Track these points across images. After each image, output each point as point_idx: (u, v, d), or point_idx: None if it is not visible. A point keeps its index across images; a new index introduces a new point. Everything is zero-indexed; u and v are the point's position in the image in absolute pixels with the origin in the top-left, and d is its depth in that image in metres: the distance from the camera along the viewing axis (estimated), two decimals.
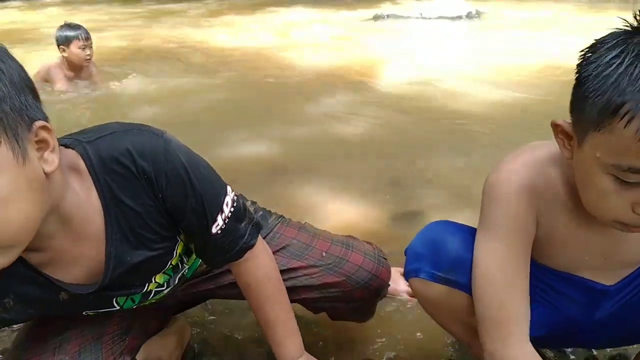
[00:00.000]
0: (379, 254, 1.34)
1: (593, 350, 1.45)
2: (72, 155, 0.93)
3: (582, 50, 0.88)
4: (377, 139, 3.08)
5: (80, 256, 0.97)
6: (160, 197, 0.96)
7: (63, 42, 3.89)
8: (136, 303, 1.14)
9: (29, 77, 0.84)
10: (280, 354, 1.20)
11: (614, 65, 0.80)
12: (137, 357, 1.26)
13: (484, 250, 1.03)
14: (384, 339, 1.51)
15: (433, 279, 1.12)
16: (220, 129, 3.24)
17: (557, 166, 1.00)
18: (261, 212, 1.35)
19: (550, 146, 1.01)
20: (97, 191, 0.93)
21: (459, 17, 6.54)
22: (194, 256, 1.19)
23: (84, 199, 0.93)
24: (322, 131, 3.20)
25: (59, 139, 0.89)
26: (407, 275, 1.18)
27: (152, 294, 1.15)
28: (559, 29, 5.64)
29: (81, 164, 0.92)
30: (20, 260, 0.90)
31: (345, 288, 1.27)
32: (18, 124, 0.78)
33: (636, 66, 0.78)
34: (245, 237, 1.11)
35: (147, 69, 4.79)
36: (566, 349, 1.46)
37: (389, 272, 1.35)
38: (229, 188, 1.08)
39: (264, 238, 1.22)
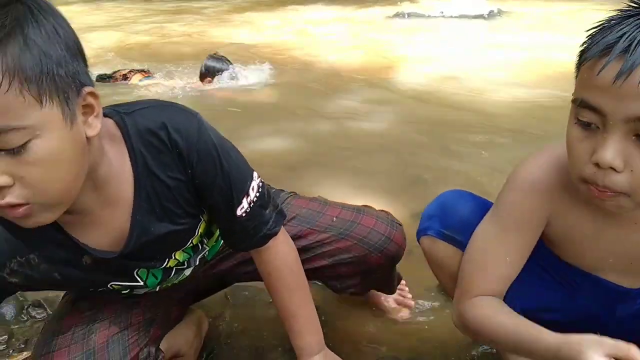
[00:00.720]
0: (392, 219, 1.34)
1: None
2: (110, 124, 0.96)
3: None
4: (397, 137, 3.06)
5: (107, 221, 1.00)
6: (189, 173, 1.00)
7: (213, 74, 4.11)
8: (158, 280, 1.15)
9: (80, 43, 0.87)
10: (298, 346, 1.20)
11: (603, 28, 0.87)
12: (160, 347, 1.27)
13: (486, 224, 1.08)
14: (400, 337, 1.51)
15: (441, 236, 1.17)
16: (239, 124, 3.26)
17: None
18: (274, 190, 1.35)
19: None
20: (131, 160, 0.97)
21: (481, 16, 6.48)
22: (214, 238, 1.21)
23: (118, 167, 0.96)
24: (342, 128, 3.19)
25: None
26: (418, 235, 1.23)
27: (173, 272, 1.17)
28: (581, 27, 5.57)
29: (118, 133, 0.96)
30: (59, 230, 0.96)
31: (358, 252, 1.26)
32: (70, 88, 0.82)
33: (615, 27, 0.84)
34: (269, 224, 1.13)
35: (167, 66, 4.82)
36: None
37: (404, 237, 1.34)
38: (255, 174, 1.11)
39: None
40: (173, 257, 1.13)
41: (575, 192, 0.98)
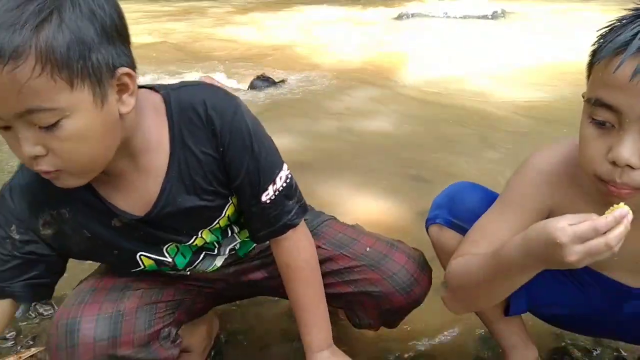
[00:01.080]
0: (423, 260, 1.30)
1: (621, 350, 1.44)
2: (157, 98, 1.04)
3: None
4: (401, 136, 3.07)
5: (138, 187, 1.05)
6: (221, 151, 1.05)
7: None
8: (187, 260, 1.19)
9: (122, 22, 0.91)
10: (307, 341, 1.21)
11: (615, 28, 0.87)
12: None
13: (489, 208, 1.10)
14: (413, 334, 1.52)
15: (448, 224, 1.17)
16: None
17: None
18: (315, 211, 1.38)
19: None
20: (169, 132, 1.03)
21: (485, 17, 6.48)
22: (246, 232, 1.23)
23: (156, 137, 1.03)
24: (347, 127, 3.20)
25: (151, 85, 1.05)
26: (427, 223, 1.23)
27: (202, 256, 1.20)
28: (585, 28, 5.56)
29: (162, 107, 1.03)
30: (91, 190, 1.03)
31: (384, 289, 1.24)
32: (102, 71, 0.86)
33: (628, 26, 0.84)
34: (291, 215, 1.15)
35: (170, 66, 4.84)
36: (594, 350, 1.45)
37: (430, 282, 1.30)
38: (285, 165, 1.15)
39: (314, 228, 1.28)
40: (200, 236, 1.16)
41: (582, 188, 0.99)
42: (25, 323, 1.67)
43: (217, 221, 1.15)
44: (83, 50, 0.83)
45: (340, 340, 1.28)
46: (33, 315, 1.69)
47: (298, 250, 1.19)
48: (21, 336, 1.62)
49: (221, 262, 1.25)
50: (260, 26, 6.86)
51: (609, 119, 0.85)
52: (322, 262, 1.24)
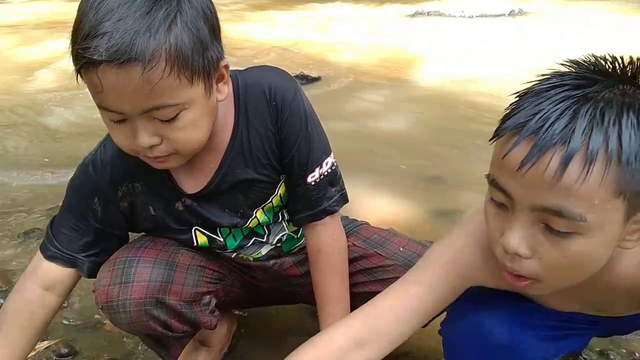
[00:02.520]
0: None
1: (636, 353, 1.43)
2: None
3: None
4: (416, 136, 3.06)
5: (204, 162, 1.13)
6: (279, 126, 1.12)
7: None
8: (237, 243, 1.24)
9: (217, 15, 1.00)
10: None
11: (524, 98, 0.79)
12: None
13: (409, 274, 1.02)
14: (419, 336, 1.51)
15: None
16: None
17: None
18: (349, 218, 1.41)
19: None
20: (235, 109, 1.11)
21: (502, 15, 6.43)
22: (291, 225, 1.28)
23: (222, 115, 1.10)
24: (361, 126, 3.19)
25: None
26: None
27: (251, 242, 1.25)
28: (603, 28, 5.50)
29: (231, 86, 1.09)
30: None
31: None
32: (212, 67, 0.97)
33: (533, 100, 0.75)
34: (332, 201, 1.20)
35: None
36: (610, 352, 1.44)
37: None
38: (332, 154, 1.20)
39: (349, 230, 1.32)
40: (255, 216, 1.20)
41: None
42: None
43: (270, 199, 1.19)
44: (201, 49, 0.92)
45: None
46: None
47: (332, 237, 1.22)
48: None
49: (266, 251, 1.28)
50: (273, 23, 6.86)
51: (504, 201, 0.78)
52: (354, 259, 1.28)
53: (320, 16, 7.23)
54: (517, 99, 0.79)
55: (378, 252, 1.29)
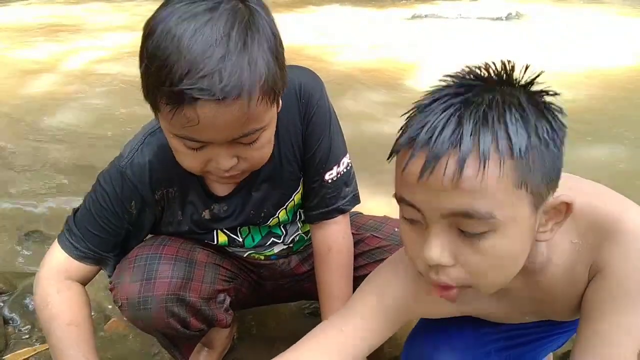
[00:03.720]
0: None
1: None
2: None
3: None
4: None
5: None
6: (305, 121, 1.15)
7: None
8: (254, 243, 1.26)
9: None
10: None
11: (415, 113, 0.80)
12: None
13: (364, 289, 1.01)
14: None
15: None
16: None
17: None
18: None
19: None
20: None
21: (499, 18, 6.45)
22: (307, 225, 1.29)
23: None
24: (359, 130, 3.20)
25: None
26: None
27: (268, 242, 1.27)
28: (600, 32, 5.52)
29: None
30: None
31: None
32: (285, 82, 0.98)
33: (422, 114, 0.77)
34: (345, 200, 1.23)
35: None
36: None
37: None
38: (348, 154, 1.23)
39: None
40: (277, 216, 1.22)
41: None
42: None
43: (293, 196, 1.21)
44: (282, 71, 0.94)
45: None
46: None
47: (342, 236, 1.25)
48: (36, 329, 1.64)
49: (278, 250, 1.31)
50: None
51: (415, 217, 0.78)
52: (355, 242, 1.30)
53: (318, 19, 7.24)
54: (406, 119, 0.81)
55: (374, 234, 1.33)
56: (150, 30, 0.88)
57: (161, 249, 1.18)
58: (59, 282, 1.16)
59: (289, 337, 1.53)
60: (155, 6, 0.93)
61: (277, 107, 0.99)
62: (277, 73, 0.91)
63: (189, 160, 0.98)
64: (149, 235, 1.26)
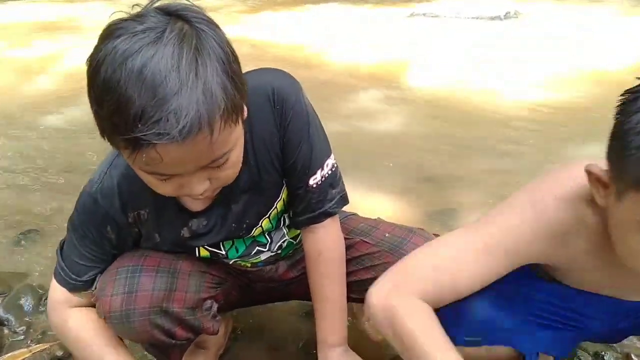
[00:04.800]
0: None
1: (633, 356, 1.43)
2: None
3: (622, 95, 0.80)
4: (410, 137, 3.06)
5: None
6: (282, 128, 1.10)
7: None
8: (238, 254, 1.23)
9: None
10: (322, 336, 1.23)
11: None
12: None
13: (468, 233, 0.98)
14: None
15: (461, 344, 1.05)
16: None
17: (595, 208, 0.90)
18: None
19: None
20: None
21: (497, 17, 6.45)
22: (295, 231, 1.27)
23: None
24: (355, 128, 3.19)
25: None
26: None
27: (253, 251, 1.24)
28: (599, 30, 5.52)
29: None
30: None
31: None
32: (242, 95, 0.90)
33: None
34: (332, 203, 1.19)
35: None
36: (604, 353, 1.45)
37: None
38: (332, 155, 1.19)
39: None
40: (260, 225, 1.19)
41: (586, 239, 0.91)
42: (35, 318, 1.68)
43: (275, 204, 1.18)
44: (239, 89, 0.88)
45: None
46: (43, 309, 1.70)
47: (332, 240, 1.22)
48: (31, 330, 1.63)
49: (265, 257, 1.27)
50: (270, 25, 6.86)
51: None
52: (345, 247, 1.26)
53: (315, 17, 7.24)
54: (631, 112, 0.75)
55: (364, 239, 1.30)
56: (93, 71, 0.82)
57: (142, 260, 1.16)
58: (65, 313, 1.19)
59: (286, 337, 1.54)
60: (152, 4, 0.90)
61: (242, 119, 0.93)
62: (235, 95, 0.85)
63: (161, 188, 0.94)
64: None
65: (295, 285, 1.36)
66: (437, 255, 0.99)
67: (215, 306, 1.26)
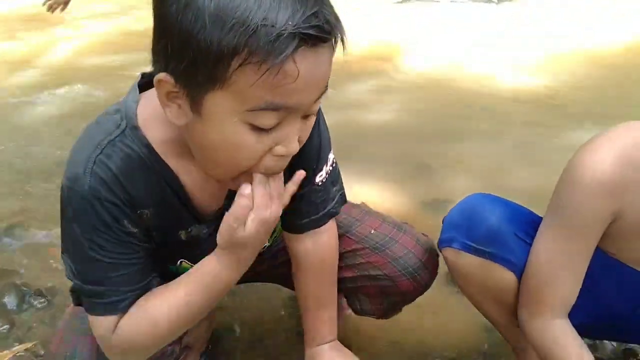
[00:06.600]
0: (432, 246, 1.24)
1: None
2: None
3: None
4: (403, 124, 3.02)
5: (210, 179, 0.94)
6: None
7: None
8: None
9: None
10: (312, 333, 1.18)
11: None
12: None
13: (548, 233, 1.02)
14: (410, 323, 1.49)
15: (466, 249, 1.08)
16: None
17: None
18: None
19: None
20: None
21: (491, 1, 6.39)
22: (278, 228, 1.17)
23: None
24: (347, 117, 3.15)
25: None
26: (440, 244, 1.15)
27: None
28: (594, 12, 5.48)
29: None
30: (174, 181, 0.92)
31: (388, 272, 1.18)
32: None
33: None
34: (334, 202, 1.12)
35: None
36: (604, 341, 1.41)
37: (437, 267, 1.24)
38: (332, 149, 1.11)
39: None
40: None
41: None
42: (18, 316, 1.64)
43: None
44: None
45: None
46: (26, 307, 1.67)
47: (334, 244, 1.15)
48: (15, 328, 1.60)
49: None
50: None
51: None
52: None
53: None
54: None
55: (348, 235, 1.21)
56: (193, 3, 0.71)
57: None
58: (123, 334, 0.95)
59: (272, 336, 1.51)
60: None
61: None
62: None
63: (247, 153, 0.80)
64: None
65: (264, 274, 1.29)
66: (537, 269, 1.03)
67: (177, 349, 1.13)
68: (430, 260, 1.21)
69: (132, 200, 0.90)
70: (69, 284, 1.17)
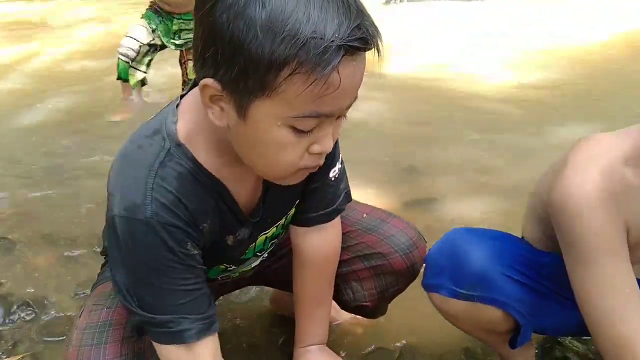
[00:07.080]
0: (420, 232, 1.27)
1: None
2: None
3: None
4: (391, 125, 3.04)
5: (250, 178, 0.99)
6: None
7: None
8: (249, 256, 1.13)
9: None
10: (300, 338, 1.19)
11: None
12: None
13: (586, 278, 0.94)
14: (397, 327, 1.50)
15: (454, 295, 1.07)
16: None
17: (632, 166, 0.91)
18: None
19: (618, 140, 0.94)
20: None
21: None
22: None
23: None
24: None
25: None
26: (426, 288, 1.14)
27: (258, 261, 1.16)
28: (581, 12, 5.51)
29: None
30: (220, 187, 0.94)
31: (382, 250, 1.20)
32: None
33: None
34: (341, 199, 1.14)
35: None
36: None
37: (425, 250, 1.25)
38: None
39: None
40: (284, 219, 1.12)
41: (635, 199, 0.91)
42: (5, 328, 1.63)
43: (295, 204, 1.12)
44: None
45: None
46: (14, 319, 1.65)
47: (338, 244, 1.17)
48: (2, 341, 1.58)
49: (255, 264, 1.18)
50: None
51: None
52: None
53: None
54: None
55: (341, 220, 1.22)
56: (245, 12, 0.74)
57: (102, 352, 1.00)
58: None
59: (263, 338, 1.50)
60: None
61: None
62: None
63: (289, 153, 0.83)
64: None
65: (263, 275, 1.30)
66: (598, 315, 0.96)
67: None
68: (419, 241, 1.24)
69: (193, 217, 0.91)
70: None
